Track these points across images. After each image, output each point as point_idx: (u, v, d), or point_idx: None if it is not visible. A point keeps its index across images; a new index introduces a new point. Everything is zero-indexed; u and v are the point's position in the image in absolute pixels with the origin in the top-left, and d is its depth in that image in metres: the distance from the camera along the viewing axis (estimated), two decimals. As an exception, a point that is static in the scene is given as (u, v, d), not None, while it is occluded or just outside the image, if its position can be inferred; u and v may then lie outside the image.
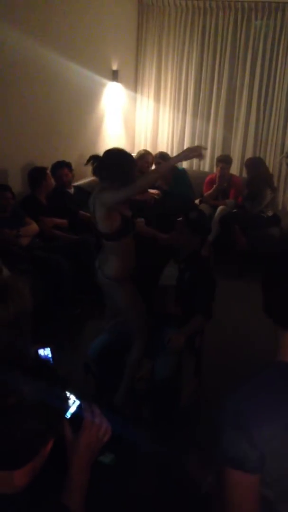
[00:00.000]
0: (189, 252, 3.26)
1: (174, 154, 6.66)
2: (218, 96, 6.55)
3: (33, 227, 4.51)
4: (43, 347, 1.81)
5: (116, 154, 3.09)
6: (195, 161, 6.77)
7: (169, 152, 6.78)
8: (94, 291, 3.50)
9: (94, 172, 3.07)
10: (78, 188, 5.26)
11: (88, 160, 3.09)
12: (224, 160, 6.05)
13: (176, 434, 3.08)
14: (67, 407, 1.32)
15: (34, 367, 1.25)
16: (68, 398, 1.32)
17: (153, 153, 6.29)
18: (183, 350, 3.13)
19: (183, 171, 6.04)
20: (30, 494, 1.20)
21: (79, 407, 1.37)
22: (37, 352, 1.79)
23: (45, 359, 1.32)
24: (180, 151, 6.67)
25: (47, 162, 4.96)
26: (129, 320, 3.18)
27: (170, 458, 2.87)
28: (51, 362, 1.78)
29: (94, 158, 3.06)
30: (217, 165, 6.13)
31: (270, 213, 5.90)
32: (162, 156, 5.94)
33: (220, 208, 5.93)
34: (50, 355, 1.80)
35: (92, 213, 3.09)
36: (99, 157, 3.08)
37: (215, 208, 5.95)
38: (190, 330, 3.17)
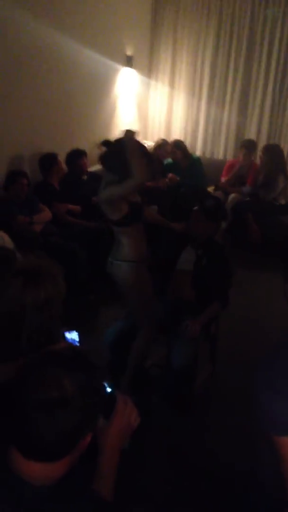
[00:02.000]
0: (205, 239, 3.25)
1: (188, 141, 6.66)
2: (234, 82, 6.47)
3: (46, 213, 4.51)
4: (70, 330, 1.81)
5: (118, 152, 2.87)
6: (208, 148, 6.75)
7: (183, 139, 6.76)
8: (108, 278, 3.51)
9: (100, 160, 3.01)
10: (91, 174, 5.24)
11: (102, 144, 2.96)
12: (247, 146, 6.00)
13: (191, 420, 3.10)
14: (104, 400, 1.33)
15: (73, 358, 1.25)
16: (105, 389, 1.32)
17: (167, 139, 6.27)
18: (199, 338, 3.14)
19: (198, 160, 6.01)
20: (66, 484, 1.20)
21: (110, 394, 1.38)
22: (63, 335, 1.79)
23: (80, 349, 1.33)
24: (195, 137, 6.73)
25: (61, 148, 4.94)
26: (136, 307, 3.15)
27: (185, 443, 2.91)
28: (78, 345, 1.79)
29: (105, 144, 2.96)
30: (240, 151, 6.09)
31: (282, 201, 5.87)
32: (177, 144, 5.91)
33: (232, 196, 5.90)
34: (77, 339, 1.81)
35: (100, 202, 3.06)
36: (110, 143, 2.96)
37: (226, 195, 5.94)
38: (207, 317, 3.18)
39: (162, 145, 5.92)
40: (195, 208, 3.25)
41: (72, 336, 1.82)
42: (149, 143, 6.63)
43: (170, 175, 5.74)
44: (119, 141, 2.92)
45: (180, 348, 3.07)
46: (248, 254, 5.41)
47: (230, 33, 6.35)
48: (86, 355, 1.29)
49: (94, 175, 5.21)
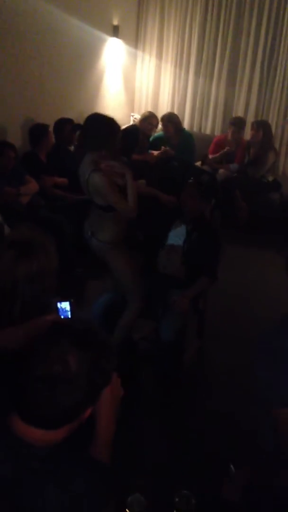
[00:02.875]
0: (197, 215, 3.24)
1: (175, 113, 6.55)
2: (222, 55, 6.38)
3: (33, 185, 4.44)
4: (63, 300, 1.80)
5: (98, 122, 2.97)
6: (196, 122, 6.68)
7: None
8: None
9: (79, 141, 3.01)
10: (78, 146, 5.16)
11: (74, 128, 3.03)
12: (236, 123, 5.92)
13: (179, 393, 3.13)
14: (109, 381, 1.32)
15: (83, 335, 1.24)
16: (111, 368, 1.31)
17: (154, 111, 6.17)
18: (188, 312, 3.15)
19: (190, 136, 5.90)
20: (65, 447, 1.22)
21: None
22: (56, 304, 1.78)
23: (92, 326, 1.32)
24: (182, 111, 6.63)
25: (46, 119, 4.85)
26: (123, 284, 3.16)
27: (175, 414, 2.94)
28: (69, 315, 1.78)
29: (77, 127, 2.99)
30: (229, 128, 6.01)
31: (270, 178, 5.86)
32: (169, 118, 5.74)
33: (221, 172, 5.87)
34: (68, 309, 1.80)
35: (85, 185, 3.01)
36: (80, 126, 3.00)
37: (215, 171, 5.89)
38: (195, 292, 3.19)
39: (147, 117, 5.78)
40: (189, 182, 3.22)
41: (64, 306, 1.81)
42: (136, 116, 6.56)
43: (164, 148, 5.63)
44: (91, 119, 2.99)
45: (169, 321, 3.08)
46: (236, 231, 5.42)
47: (218, 5, 6.24)
48: (98, 332, 1.29)
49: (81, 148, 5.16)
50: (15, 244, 1.80)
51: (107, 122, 2.95)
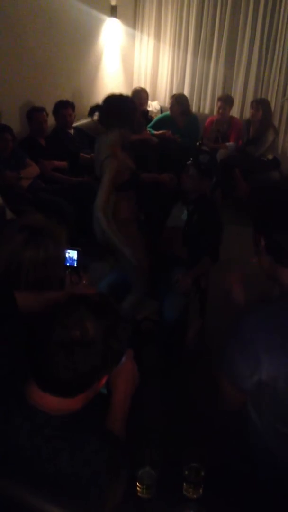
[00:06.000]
0: (197, 195, 3.25)
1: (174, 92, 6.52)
2: (220, 34, 6.31)
3: (34, 168, 4.44)
4: (71, 249, 1.82)
5: (117, 101, 3.08)
6: (194, 102, 6.64)
7: (168, 93, 6.65)
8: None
9: (101, 123, 3.06)
10: (77, 129, 5.14)
11: (90, 112, 3.11)
12: (224, 100, 5.89)
13: (182, 371, 3.17)
14: (125, 349, 1.36)
15: (100, 305, 1.27)
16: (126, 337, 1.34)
17: (153, 91, 6.14)
18: (190, 292, 3.18)
19: (195, 118, 5.87)
20: (80, 417, 1.26)
21: None
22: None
23: (108, 297, 1.35)
24: (180, 91, 6.57)
25: (45, 101, 4.83)
26: (128, 266, 3.16)
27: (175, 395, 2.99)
28: (76, 264, 1.80)
29: (95, 109, 3.08)
30: (216, 105, 5.99)
31: (270, 157, 5.84)
32: (178, 98, 5.72)
33: (220, 151, 5.85)
34: (75, 257, 1.82)
35: (99, 164, 3.05)
36: (100, 106, 3.08)
37: (214, 152, 5.86)
38: (198, 272, 3.22)
39: (138, 91, 5.81)
40: (189, 163, 3.23)
41: (72, 254, 1.84)
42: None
43: (168, 132, 5.63)
44: (110, 99, 3.08)
45: (172, 301, 3.11)
46: (236, 209, 5.42)
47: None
48: (113, 303, 1.32)
49: (80, 130, 5.14)
50: (27, 228, 1.81)
51: (126, 100, 3.13)
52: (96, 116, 3.08)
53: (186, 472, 1.54)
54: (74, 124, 5.15)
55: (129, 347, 1.46)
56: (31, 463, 1.21)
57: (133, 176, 3.06)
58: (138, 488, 1.53)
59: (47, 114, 4.75)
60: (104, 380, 1.30)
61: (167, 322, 3.06)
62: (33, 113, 4.64)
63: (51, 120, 4.88)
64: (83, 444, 1.22)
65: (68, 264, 1.85)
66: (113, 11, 6.08)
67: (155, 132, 5.67)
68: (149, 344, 3.32)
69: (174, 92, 6.47)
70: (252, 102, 5.85)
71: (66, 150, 4.85)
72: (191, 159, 3.25)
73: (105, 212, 3.00)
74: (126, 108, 3.06)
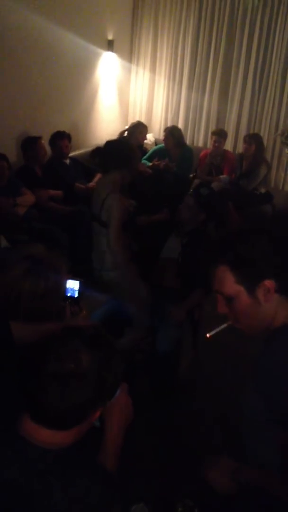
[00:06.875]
0: (193, 227, 3.27)
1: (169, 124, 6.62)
2: (214, 69, 6.46)
3: (30, 197, 4.47)
4: (75, 279, 1.80)
5: (118, 144, 3.32)
6: (188, 134, 6.74)
7: (163, 125, 6.74)
8: (89, 262, 3.52)
9: (100, 166, 3.21)
10: (73, 159, 5.20)
11: (92, 155, 3.27)
12: (219, 134, 5.99)
13: (175, 404, 3.14)
14: (119, 382, 1.35)
15: (94, 337, 1.26)
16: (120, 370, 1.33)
17: (148, 124, 6.24)
18: (183, 323, 3.17)
19: (189, 150, 5.95)
20: (73, 451, 1.24)
21: None
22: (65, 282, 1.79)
23: (102, 329, 1.34)
24: (175, 124, 6.68)
25: (42, 132, 4.90)
26: (131, 309, 3.18)
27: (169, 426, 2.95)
28: (76, 295, 1.79)
29: (97, 152, 3.23)
30: (211, 138, 6.08)
31: (263, 191, 5.92)
32: (171, 131, 5.83)
33: (214, 184, 5.90)
34: (76, 288, 1.80)
35: (99, 203, 3.11)
36: (101, 149, 3.20)
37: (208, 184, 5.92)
38: (190, 303, 3.22)
39: (137, 126, 5.89)
40: (189, 194, 3.26)
41: (73, 285, 1.81)
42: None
43: (166, 161, 5.70)
44: (111, 143, 3.24)
45: (165, 333, 3.10)
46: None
47: (211, 20, 6.31)
48: (108, 336, 1.31)
49: (76, 161, 5.19)
50: (29, 258, 1.81)
51: (127, 145, 3.40)
52: (97, 160, 3.20)
53: (180, 509, 1.52)
54: (70, 155, 5.20)
55: (123, 380, 1.44)
56: (22, 497, 1.19)
57: (131, 218, 3.16)
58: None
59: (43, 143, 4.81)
60: (97, 414, 1.29)
61: (160, 354, 3.04)
62: (29, 144, 4.69)
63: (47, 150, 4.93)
64: (76, 479, 1.20)
65: (68, 295, 1.83)
66: (109, 45, 6.22)
67: (149, 164, 5.74)
68: (141, 376, 3.29)
69: (169, 124, 6.57)
70: (245, 137, 5.95)
71: (61, 180, 4.89)
72: (192, 190, 3.29)
73: (120, 247, 3.06)
74: (126, 151, 3.18)
